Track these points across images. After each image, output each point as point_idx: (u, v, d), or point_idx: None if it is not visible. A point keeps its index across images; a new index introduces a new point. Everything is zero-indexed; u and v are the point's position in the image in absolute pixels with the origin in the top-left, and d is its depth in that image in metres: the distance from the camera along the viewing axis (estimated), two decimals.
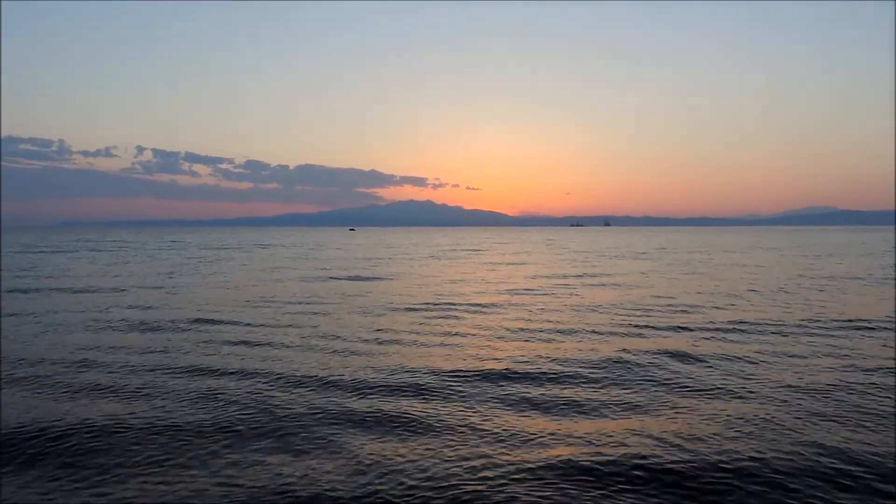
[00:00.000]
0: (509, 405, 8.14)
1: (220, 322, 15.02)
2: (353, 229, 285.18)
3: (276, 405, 8.03)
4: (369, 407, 8.03)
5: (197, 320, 15.31)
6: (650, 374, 9.73)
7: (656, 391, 8.78)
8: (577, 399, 8.39)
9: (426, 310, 17.32)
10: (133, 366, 10.24)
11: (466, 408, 8.01)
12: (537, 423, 7.43)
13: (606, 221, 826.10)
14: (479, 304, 18.49)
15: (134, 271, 32.07)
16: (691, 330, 13.87)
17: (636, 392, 8.71)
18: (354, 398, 8.43)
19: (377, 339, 12.85)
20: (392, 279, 27.95)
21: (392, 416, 7.68)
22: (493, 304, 18.52)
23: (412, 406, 8.10)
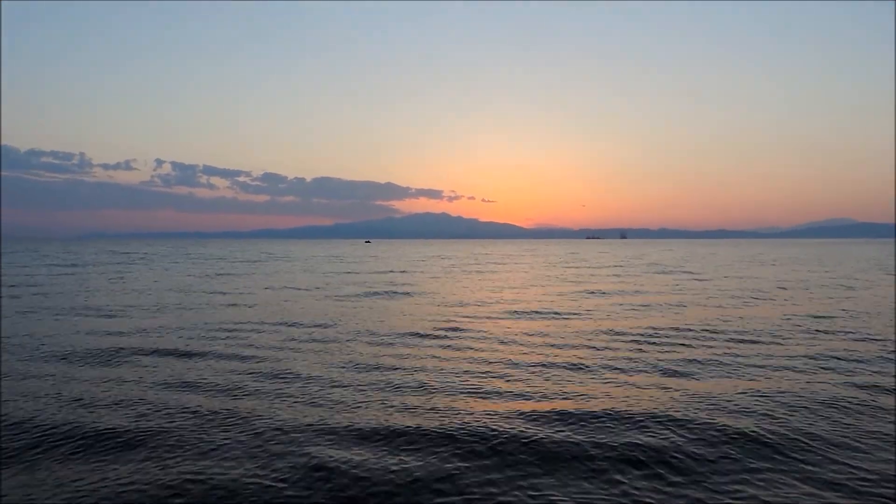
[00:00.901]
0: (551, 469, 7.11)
1: (240, 347, 14.29)
2: (368, 241, 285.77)
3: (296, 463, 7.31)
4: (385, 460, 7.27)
5: (213, 340, 14.76)
6: (689, 422, 8.78)
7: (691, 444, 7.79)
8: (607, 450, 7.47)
9: (461, 335, 15.97)
10: (149, 407, 9.30)
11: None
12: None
13: (623, 234, 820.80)
14: (513, 331, 17.00)
15: (152, 287, 31.46)
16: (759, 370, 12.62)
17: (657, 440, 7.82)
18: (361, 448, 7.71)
19: (401, 367, 11.99)
20: (414, 296, 27.01)
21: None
22: (532, 332, 16.88)
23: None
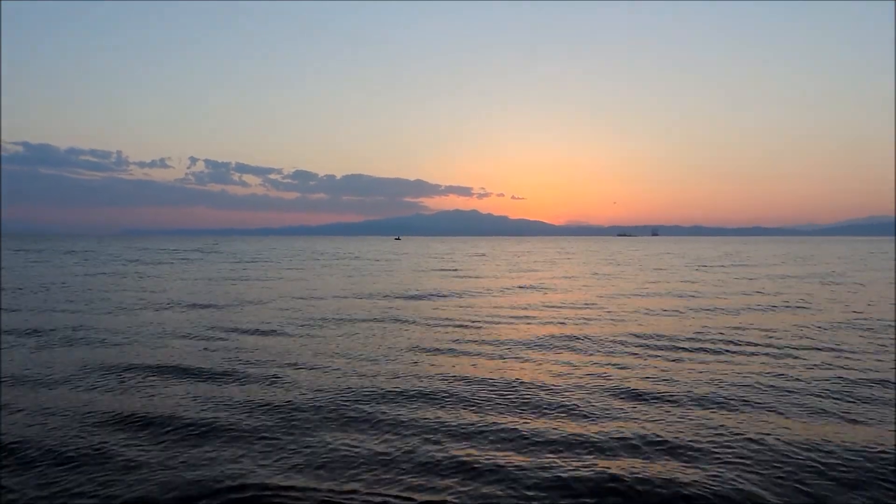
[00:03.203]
0: None
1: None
2: (398, 238, 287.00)
3: None
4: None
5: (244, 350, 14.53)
6: None
7: None
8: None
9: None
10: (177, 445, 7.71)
11: None
12: None
13: (654, 231, 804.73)
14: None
15: (208, 294, 27.70)
16: None
17: None
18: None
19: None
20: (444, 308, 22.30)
21: None
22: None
23: None
